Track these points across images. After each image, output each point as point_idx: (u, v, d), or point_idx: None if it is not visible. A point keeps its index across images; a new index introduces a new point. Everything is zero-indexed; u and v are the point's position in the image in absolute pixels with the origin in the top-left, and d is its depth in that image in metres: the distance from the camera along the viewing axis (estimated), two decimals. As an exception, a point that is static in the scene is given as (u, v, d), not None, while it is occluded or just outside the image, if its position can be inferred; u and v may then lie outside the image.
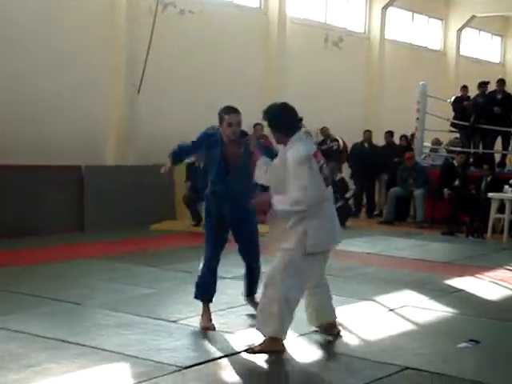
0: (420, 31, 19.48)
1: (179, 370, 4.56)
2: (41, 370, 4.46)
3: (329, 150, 14.84)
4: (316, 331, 5.64)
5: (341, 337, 5.52)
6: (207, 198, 5.84)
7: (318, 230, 5.02)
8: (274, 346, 5.02)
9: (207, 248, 5.84)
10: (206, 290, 5.76)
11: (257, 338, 5.36)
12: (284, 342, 5.08)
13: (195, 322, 5.76)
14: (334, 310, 5.60)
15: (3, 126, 10.46)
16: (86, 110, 11.56)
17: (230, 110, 5.80)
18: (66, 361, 4.69)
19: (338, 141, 15.21)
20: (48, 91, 11.04)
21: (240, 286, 7.19)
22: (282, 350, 5.04)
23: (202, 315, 5.70)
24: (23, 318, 5.70)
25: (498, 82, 14.18)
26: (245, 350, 5.04)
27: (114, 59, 11.88)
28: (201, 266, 5.82)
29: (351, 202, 13.59)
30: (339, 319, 5.78)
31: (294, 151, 5.02)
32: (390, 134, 14.84)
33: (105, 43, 11.78)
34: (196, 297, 5.83)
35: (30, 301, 6.33)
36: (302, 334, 5.54)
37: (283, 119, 5.23)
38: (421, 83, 14.19)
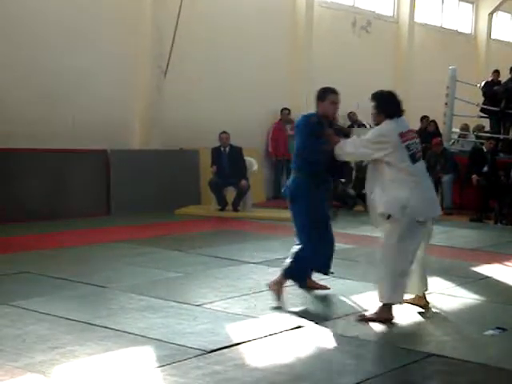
0: (450, 14, 19.20)
1: (203, 354, 4.56)
2: (66, 352, 4.50)
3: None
4: (341, 316, 5.62)
5: (428, 309, 5.88)
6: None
7: (419, 200, 5.53)
8: (384, 314, 5.52)
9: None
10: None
11: (281, 322, 5.35)
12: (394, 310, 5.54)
13: (219, 306, 5.76)
14: (427, 283, 5.96)
15: (30, 111, 10.52)
16: (112, 94, 11.58)
17: (333, 90, 6.27)
18: (90, 343, 4.72)
19: (365, 126, 15.12)
20: (74, 75, 11.08)
21: (263, 271, 7.22)
22: (391, 317, 5.52)
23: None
24: (50, 301, 5.75)
25: (529, 66, 13.94)
26: (357, 318, 5.53)
27: (141, 43, 11.88)
28: None
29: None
30: (369, 304, 5.81)
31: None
32: (426, 118, 14.67)
33: (131, 26, 11.78)
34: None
35: (56, 284, 6.39)
36: (326, 320, 5.51)
37: (391, 104, 5.78)
38: (450, 68, 14.00)
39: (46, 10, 10.72)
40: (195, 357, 4.52)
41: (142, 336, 4.91)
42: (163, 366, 4.35)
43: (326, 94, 6.18)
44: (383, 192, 5.56)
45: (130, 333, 4.97)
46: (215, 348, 4.68)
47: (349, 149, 5.74)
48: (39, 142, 10.44)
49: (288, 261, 6.14)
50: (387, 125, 5.66)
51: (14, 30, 10.32)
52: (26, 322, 5.10)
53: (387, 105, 5.74)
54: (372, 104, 5.81)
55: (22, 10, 10.41)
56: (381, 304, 5.58)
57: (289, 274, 6.11)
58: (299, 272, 6.17)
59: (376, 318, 5.51)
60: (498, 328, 5.42)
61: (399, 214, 5.47)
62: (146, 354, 4.58)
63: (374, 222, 5.80)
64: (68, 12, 11.00)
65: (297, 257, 6.11)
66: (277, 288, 6.03)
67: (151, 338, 4.86)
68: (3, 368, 4.18)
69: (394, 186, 5.52)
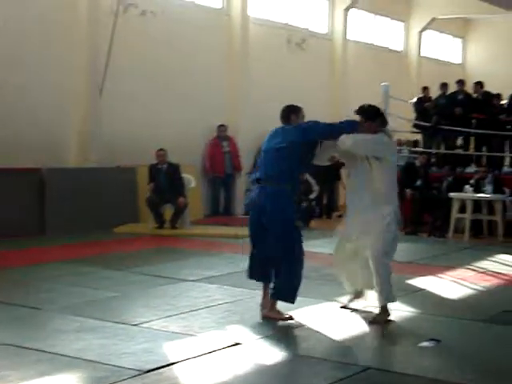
0: (382, 32, 19.63)
1: (139, 374, 4.52)
2: (-2, 377, 4.39)
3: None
4: (278, 332, 5.66)
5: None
6: None
7: None
8: (387, 314, 6.09)
9: None
10: None
11: (219, 340, 5.34)
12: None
13: (157, 325, 5.72)
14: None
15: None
16: (47, 111, 11.41)
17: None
18: (24, 367, 4.61)
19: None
20: (9, 92, 10.88)
21: (202, 289, 7.20)
22: (390, 315, 6.12)
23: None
24: (-19, 324, 5.61)
25: (458, 82, 14.35)
26: (369, 322, 5.99)
27: (76, 59, 11.76)
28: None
29: (314, 203, 13.64)
30: (307, 319, 5.94)
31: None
32: None
33: (66, 43, 11.66)
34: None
35: (-12, 306, 6.23)
36: (263, 336, 5.53)
37: (380, 113, 6.35)
38: (383, 84, 14.30)
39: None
40: (131, 377, 4.47)
41: (78, 358, 4.83)
42: (99, 388, 4.30)
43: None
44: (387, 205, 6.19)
45: (64, 355, 4.88)
46: (152, 368, 4.64)
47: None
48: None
49: (277, 282, 6.02)
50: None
51: None
52: (-45, 348, 4.97)
53: (378, 113, 6.33)
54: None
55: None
56: (381, 306, 6.11)
57: (282, 295, 6.04)
58: (294, 291, 6.04)
59: (385, 320, 6.06)
60: (433, 339, 5.54)
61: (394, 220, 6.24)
62: (81, 377, 4.51)
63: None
64: (3, 29, 10.80)
65: (290, 274, 6.00)
66: (276, 315, 6.00)
67: (87, 360, 4.78)
68: None
69: (391, 197, 6.28)
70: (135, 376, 4.49)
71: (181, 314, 6.12)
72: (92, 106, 11.95)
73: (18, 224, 10.52)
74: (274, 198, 6.00)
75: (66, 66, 11.68)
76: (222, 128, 14.14)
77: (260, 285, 7.31)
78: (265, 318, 6.02)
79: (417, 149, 15.30)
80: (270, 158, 6.12)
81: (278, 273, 6.01)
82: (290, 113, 6.33)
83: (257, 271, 6.19)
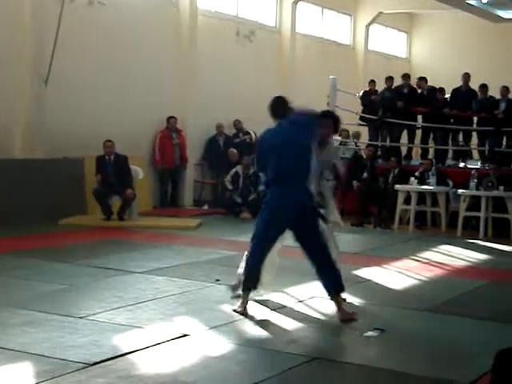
0: (330, 26, 19.78)
1: (85, 367, 4.50)
2: None
3: (242, 143, 14.98)
4: (226, 323, 5.70)
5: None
6: None
7: None
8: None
9: None
10: None
11: (166, 331, 5.36)
12: None
13: (104, 317, 5.70)
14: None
15: None
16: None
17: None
18: (-33, 362, 4.56)
19: (250, 134, 15.34)
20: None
21: (150, 281, 7.20)
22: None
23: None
24: None
25: (403, 76, 14.59)
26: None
27: (21, 50, 11.55)
28: None
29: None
30: (253, 311, 6.00)
31: None
32: None
33: (10, 32, 11.43)
34: None
35: None
36: (211, 327, 5.57)
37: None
38: (331, 77, 14.44)
39: None
40: (77, 370, 4.45)
41: (23, 352, 4.78)
42: (42, 381, 4.26)
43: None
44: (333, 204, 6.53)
45: (9, 349, 4.83)
46: (98, 360, 4.63)
47: None
48: None
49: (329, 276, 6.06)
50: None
51: None
52: None
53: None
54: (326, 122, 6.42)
55: None
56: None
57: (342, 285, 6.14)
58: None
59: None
60: (376, 329, 5.65)
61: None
62: (26, 370, 4.47)
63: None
64: None
65: (334, 265, 6.18)
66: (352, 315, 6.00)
67: (32, 354, 4.74)
68: None
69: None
70: (81, 369, 4.47)
71: (128, 306, 6.10)
72: (37, 97, 11.76)
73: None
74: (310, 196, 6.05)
75: (11, 56, 11.46)
76: (171, 120, 14.09)
77: (208, 277, 7.40)
78: (346, 321, 5.90)
79: (363, 141, 15.51)
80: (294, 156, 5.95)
81: (323, 268, 6.02)
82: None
83: (257, 279, 6.08)
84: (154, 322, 5.65)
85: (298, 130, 6.00)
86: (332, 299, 6.02)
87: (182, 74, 14.47)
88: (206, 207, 14.24)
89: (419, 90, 14.46)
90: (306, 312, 6.25)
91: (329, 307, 6.36)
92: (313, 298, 6.66)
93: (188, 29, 14.56)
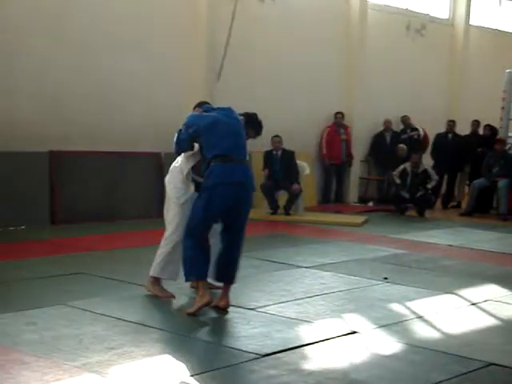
0: (507, 17, 18.81)
1: (257, 358, 4.55)
2: (122, 353, 4.53)
3: (409, 139, 14.63)
4: (395, 322, 5.56)
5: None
6: None
7: None
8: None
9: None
10: None
11: (335, 327, 5.32)
12: None
13: (273, 310, 5.75)
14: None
15: (85, 113, 10.64)
16: (165, 98, 11.63)
17: None
18: (146, 344, 4.75)
19: (418, 130, 14.95)
20: (127, 80, 11.15)
21: (316, 275, 7.19)
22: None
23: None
24: (106, 301, 5.80)
25: None
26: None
27: (196, 48, 11.89)
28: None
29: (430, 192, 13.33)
30: (422, 310, 5.73)
31: None
32: (476, 123, 14.56)
33: (185, 31, 11.83)
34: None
35: (110, 284, 6.45)
36: (381, 326, 5.45)
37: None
38: (507, 71, 13.74)
39: (102, 17, 10.85)
40: (249, 360, 4.51)
41: (196, 339, 4.93)
42: (219, 368, 4.35)
43: None
44: None
45: (182, 335, 5.01)
46: (269, 352, 4.67)
47: None
48: (93, 144, 10.59)
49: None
50: None
51: (72, 37, 10.47)
52: (82, 323, 5.17)
53: None
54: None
55: (78, 19, 10.56)
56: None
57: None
58: None
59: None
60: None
61: None
62: (199, 357, 4.59)
63: None
64: (123, 19, 11.10)
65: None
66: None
67: (203, 341, 4.87)
68: (62, 367, 4.24)
69: None
70: (253, 359, 4.53)
71: (296, 300, 6.12)
72: (209, 91, 12.08)
73: (137, 206, 10.83)
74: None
75: (187, 55, 11.81)
76: (339, 115, 14.04)
77: (375, 274, 7.28)
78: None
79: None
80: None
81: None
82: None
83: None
84: (323, 318, 5.62)
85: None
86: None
87: (350, 70, 14.35)
88: (371, 204, 14.06)
89: None
90: (480, 315, 5.96)
91: (505, 311, 6.05)
92: (487, 302, 6.35)
93: (357, 23, 14.41)
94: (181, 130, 5.79)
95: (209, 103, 6.27)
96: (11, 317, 5.22)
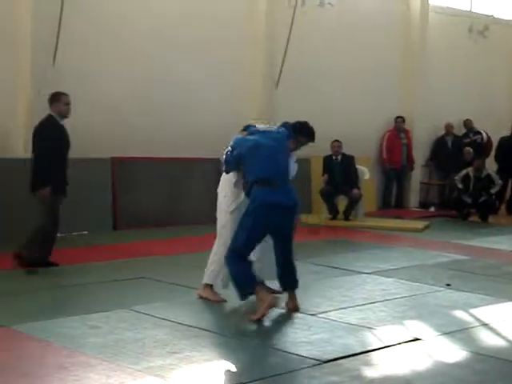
0: None
1: (318, 364, 4.52)
2: (183, 357, 4.57)
3: (472, 143, 14.36)
4: (459, 329, 5.46)
5: None
6: None
7: None
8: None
9: None
10: None
11: (398, 334, 5.25)
12: None
13: (334, 316, 5.71)
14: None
15: (144, 121, 10.80)
16: (223, 104, 11.70)
17: None
18: (207, 349, 4.78)
19: (481, 133, 14.66)
20: (187, 87, 11.24)
21: (377, 281, 7.11)
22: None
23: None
24: (167, 306, 5.87)
25: None
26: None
27: (254, 54, 11.95)
28: None
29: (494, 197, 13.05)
30: (487, 318, 5.67)
31: None
32: None
33: (244, 38, 11.89)
34: None
35: (172, 289, 6.52)
36: (444, 333, 5.35)
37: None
38: None
39: (161, 24, 10.99)
40: (310, 367, 4.49)
41: (258, 343, 4.93)
42: (279, 374, 4.34)
43: None
44: None
45: (242, 340, 5.02)
46: (331, 358, 4.64)
47: None
48: (153, 150, 10.71)
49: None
50: None
51: (129, 47, 10.64)
52: (144, 327, 5.23)
53: None
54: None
55: (134, 28, 10.72)
56: None
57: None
58: None
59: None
60: None
61: None
62: (259, 362, 4.59)
63: None
64: (181, 27, 11.21)
65: None
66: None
67: (264, 346, 4.87)
68: (125, 371, 4.30)
69: None
70: (314, 365, 4.50)
71: (357, 306, 6.07)
72: (268, 100, 12.07)
73: (199, 211, 10.87)
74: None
75: (246, 62, 11.86)
76: (399, 119, 13.89)
77: (437, 280, 7.17)
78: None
79: None
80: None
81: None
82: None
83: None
84: (384, 324, 5.56)
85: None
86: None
87: (410, 73, 14.19)
88: (432, 209, 13.85)
89: None
90: (548, 324, 5.80)
91: None
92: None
93: (418, 26, 14.23)
94: (227, 152, 5.98)
95: (254, 126, 6.33)
96: (76, 320, 5.33)
